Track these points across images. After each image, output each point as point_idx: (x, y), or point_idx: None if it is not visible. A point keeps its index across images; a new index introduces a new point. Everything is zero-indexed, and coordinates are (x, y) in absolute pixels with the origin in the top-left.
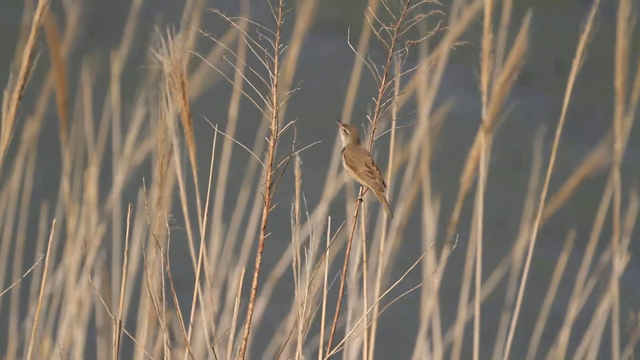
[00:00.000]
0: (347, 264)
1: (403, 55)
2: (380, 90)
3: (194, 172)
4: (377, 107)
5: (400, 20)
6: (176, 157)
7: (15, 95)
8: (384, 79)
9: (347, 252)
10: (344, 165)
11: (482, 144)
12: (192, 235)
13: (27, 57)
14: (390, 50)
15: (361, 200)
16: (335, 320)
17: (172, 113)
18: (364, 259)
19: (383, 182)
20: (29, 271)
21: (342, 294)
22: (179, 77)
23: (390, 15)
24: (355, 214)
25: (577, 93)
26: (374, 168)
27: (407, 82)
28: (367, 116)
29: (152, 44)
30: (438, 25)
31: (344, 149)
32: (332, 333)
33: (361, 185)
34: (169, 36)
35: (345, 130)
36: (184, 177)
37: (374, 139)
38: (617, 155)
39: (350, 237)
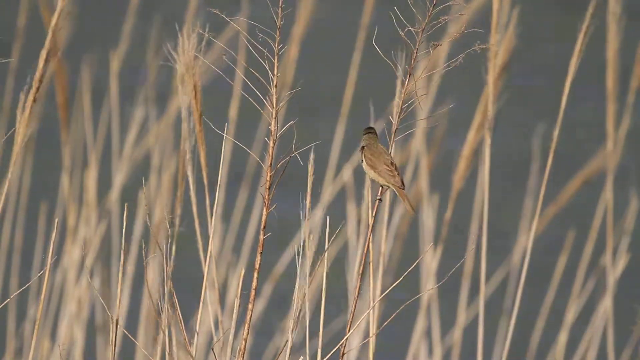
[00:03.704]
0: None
1: (426, 56)
2: (403, 90)
3: (203, 172)
4: (400, 107)
5: (426, 21)
6: (187, 157)
7: (30, 98)
8: (407, 80)
9: (365, 250)
10: (364, 164)
11: (487, 141)
12: (192, 236)
13: (43, 60)
14: (415, 51)
15: (380, 200)
16: (350, 317)
17: (185, 113)
18: (364, 260)
19: (402, 181)
20: (26, 286)
21: (358, 293)
22: (192, 77)
23: (407, 16)
24: (374, 214)
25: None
26: (393, 167)
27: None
28: (390, 117)
29: (166, 43)
30: (463, 26)
31: (363, 147)
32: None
33: (380, 184)
34: (183, 35)
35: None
36: (194, 177)
37: (396, 139)
38: (610, 156)
39: (368, 238)
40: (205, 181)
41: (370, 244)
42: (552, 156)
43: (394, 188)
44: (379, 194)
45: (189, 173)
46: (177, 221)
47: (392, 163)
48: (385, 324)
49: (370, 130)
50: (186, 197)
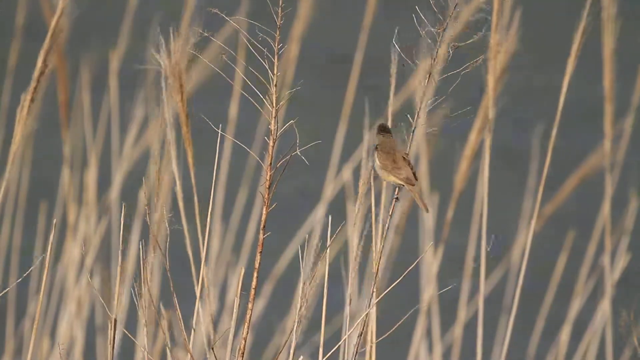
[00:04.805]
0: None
1: (447, 57)
2: (422, 90)
3: (191, 173)
4: (419, 108)
5: (447, 22)
6: (173, 158)
7: (28, 97)
8: (427, 80)
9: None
10: (375, 164)
11: (487, 142)
12: (190, 236)
13: (42, 59)
14: (435, 52)
15: (397, 199)
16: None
17: (170, 114)
18: (359, 258)
19: (415, 176)
20: (26, 274)
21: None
22: (178, 78)
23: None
24: (390, 212)
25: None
26: (404, 163)
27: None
28: (408, 115)
29: (151, 44)
30: (482, 29)
31: (376, 147)
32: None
33: (394, 184)
34: (170, 37)
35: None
36: (181, 178)
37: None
38: (606, 156)
39: (379, 236)
40: (193, 182)
41: (380, 245)
42: (550, 154)
43: (404, 185)
44: (395, 194)
45: (176, 174)
46: (166, 222)
47: (404, 158)
48: (381, 314)
49: (382, 129)
50: (187, 196)
